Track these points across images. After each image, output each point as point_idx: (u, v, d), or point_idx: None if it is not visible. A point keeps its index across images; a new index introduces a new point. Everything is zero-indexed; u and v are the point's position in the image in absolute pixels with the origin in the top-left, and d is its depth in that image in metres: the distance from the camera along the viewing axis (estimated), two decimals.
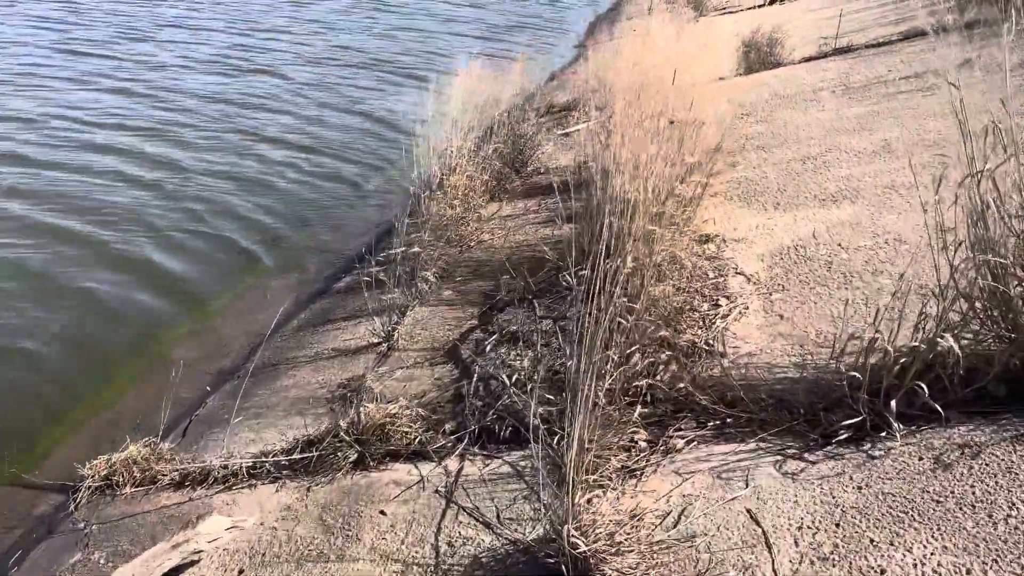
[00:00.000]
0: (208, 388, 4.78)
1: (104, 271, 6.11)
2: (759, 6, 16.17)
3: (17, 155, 8.36)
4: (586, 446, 2.60)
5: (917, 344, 3.02)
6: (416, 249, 5.32)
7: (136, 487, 3.71)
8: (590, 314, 3.13)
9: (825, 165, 5.99)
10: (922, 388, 2.82)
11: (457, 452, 3.38)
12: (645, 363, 3.39)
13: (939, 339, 2.92)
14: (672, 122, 4.26)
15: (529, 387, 3.60)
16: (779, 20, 12.24)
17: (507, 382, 3.50)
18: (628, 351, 3.30)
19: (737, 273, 4.60)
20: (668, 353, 3.64)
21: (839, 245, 4.62)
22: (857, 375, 2.97)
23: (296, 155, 8.92)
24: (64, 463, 4.11)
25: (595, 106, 7.93)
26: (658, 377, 3.45)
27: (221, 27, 16.02)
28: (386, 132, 9.84)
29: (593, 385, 2.97)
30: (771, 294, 4.26)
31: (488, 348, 4.24)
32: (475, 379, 3.93)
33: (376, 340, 4.72)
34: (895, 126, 6.50)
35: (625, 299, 3.62)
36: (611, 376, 3.09)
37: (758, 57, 9.86)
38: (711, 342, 3.87)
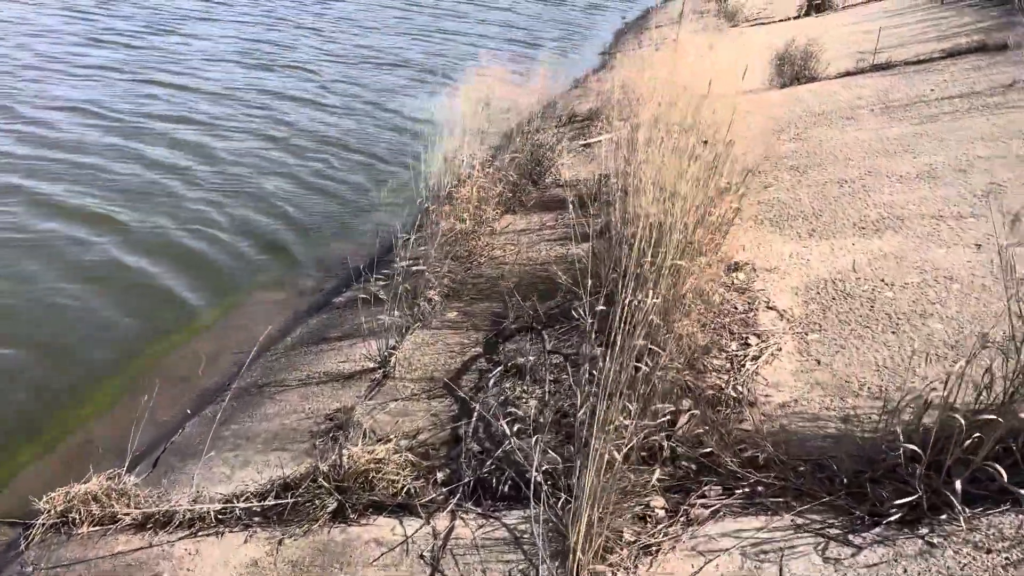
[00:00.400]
0: (189, 411, 4.42)
1: (90, 278, 5.76)
2: (793, 17, 15.70)
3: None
4: (595, 527, 2.20)
5: (984, 407, 2.59)
6: (420, 268, 4.94)
7: (94, 526, 3.34)
8: (606, 357, 2.74)
9: (864, 189, 5.56)
10: (996, 469, 2.39)
11: (449, 508, 2.99)
12: (665, 416, 2.98)
13: (1014, 405, 2.50)
14: (705, 142, 3.85)
15: (533, 435, 3.20)
16: (813, 33, 11.78)
17: (508, 431, 3.10)
18: (649, 405, 2.89)
19: (769, 307, 4.18)
20: (690, 401, 3.23)
21: (882, 281, 4.19)
22: (914, 447, 2.54)
23: (307, 156, 8.57)
24: (26, 492, 3.75)
25: (618, 116, 7.55)
26: (679, 430, 3.04)
27: (250, 21, 15.81)
28: (403, 135, 9.47)
29: (606, 444, 2.57)
30: (807, 334, 3.84)
31: (491, 382, 3.85)
32: (474, 418, 3.54)
33: (371, 365, 4.34)
34: (940, 149, 6.05)
35: (645, 340, 3.22)
36: (628, 433, 2.69)
37: (792, 71, 9.42)
38: (740, 388, 3.45)
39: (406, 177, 5.74)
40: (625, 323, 2.81)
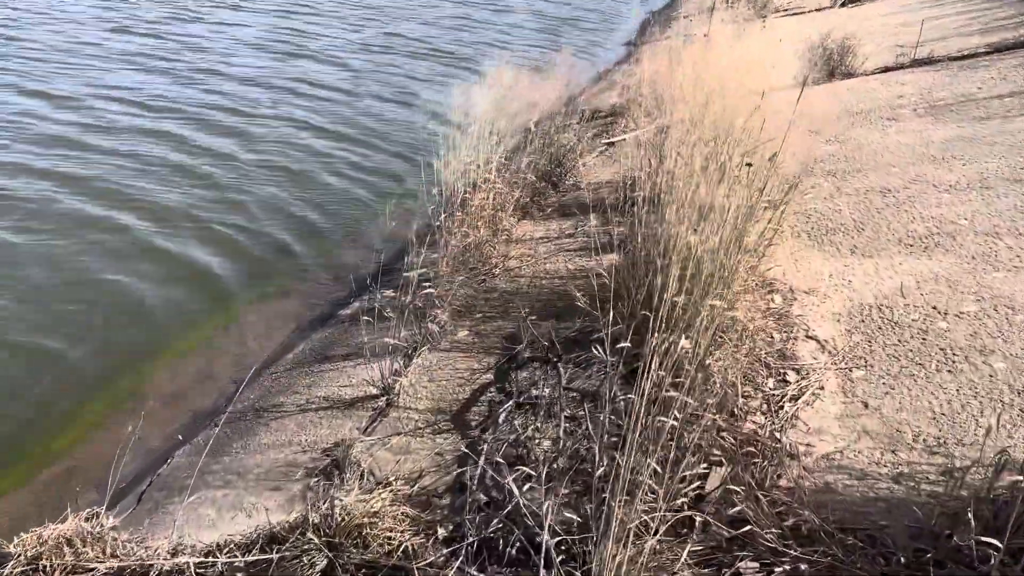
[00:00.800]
0: (180, 436, 4.14)
1: (77, 283, 5.49)
2: (827, 7, 15.14)
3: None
4: None
5: None
6: (428, 289, 4.61)
7: (67, 574, 3.06)
8: (628, 411, 2.40)
9: (910, 200, 5.15)
10: None
11: (450, 574, 2.67)
12: (696, 481, 2.64)
13: None
14: (750, 164, 3.48)
15: (546, 486, 2.88)
16: (848, 24, 11.28)
17: (516, 491, 2.76)
18: (678, 462, 2.55)
19: (808, 337, 3.81)
20: (722, 456, 2.88)
21: (934, 308, 3.81)
22: (986, 534, 2.18)
23: (321, 154, 8.25)
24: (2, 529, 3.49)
25: (644, 116, 7.16)
26: (711, 494, 2.70)
27: (273, 9, 15.62)
28: (423, 132, 9.13)
29: (629, 513, 2.24)
30: (851, 370, 3.47)
31: (502, 418, 3.52)
32: (482, 461, 3.22)
33: (374, 392, 4.02)
34: (991, 155, 5.62)
35: (673, 385, 2.88)
36: (656, 498, 2.36)
37: (829, 66, 8.96)
38: (778, 435, 3.10)
39: (423, 180, 5.39)
40: (650, 371, 2.47)
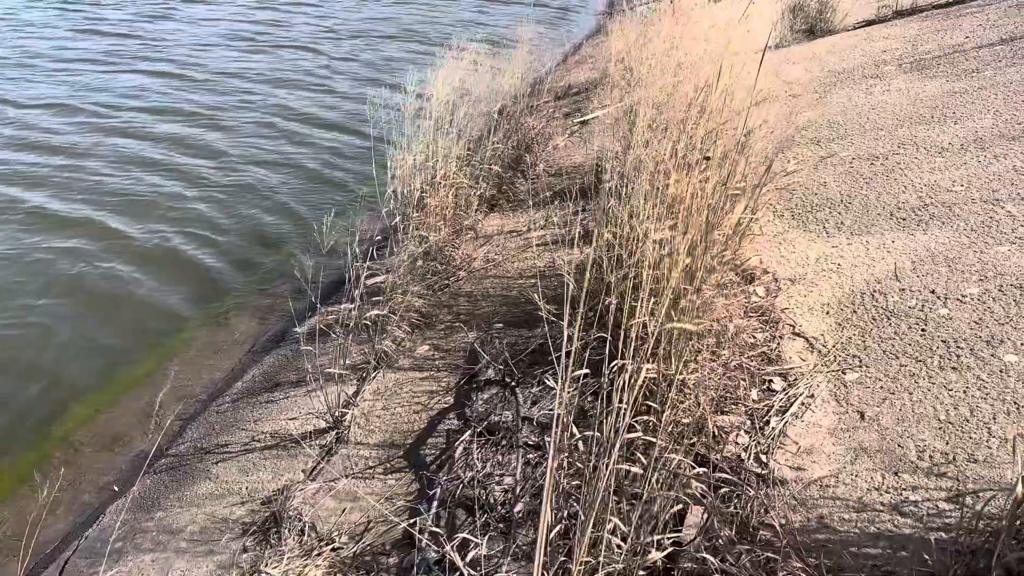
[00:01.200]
0: (115, 487, 3.77)
1: (13, 311, 5.10)
2: None
3: None
4: None
5: None
6: (381, 301, 4.23)
7: None
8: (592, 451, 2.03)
9: (900, 167, 4.75)
10: None
11: None
12: (670, 514, 2.27)
13: None
14: (708, 158, 3.08)
15: (506, 536, 2.52)
16: None
17: (459, 561, 2.39)
18: (647, 508, 2.18)
19: (795, 334, 3.43)
20: (699, 489, 2.50)
21: (933, 293, 3.42)
22: None
23: (282, 153, 7.81)
24: None
25: (612, 91, 6.73)
26: (689, 544, 2.33)
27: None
28: (382, 126, 8.69)
29: None
30: (844, 372, 3.10)
31: (459, 452, 3.15)
32: (434, 504, 2.85)
33: (323, 425, 3.66)
34: (985, 111, 5.21)
35: (644, 410, 2.51)
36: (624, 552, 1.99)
37: (807, 24, 8.51)
38: (764, 457, 2.73)
39: (378, 180, 4.98)
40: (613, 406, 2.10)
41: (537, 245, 5.31)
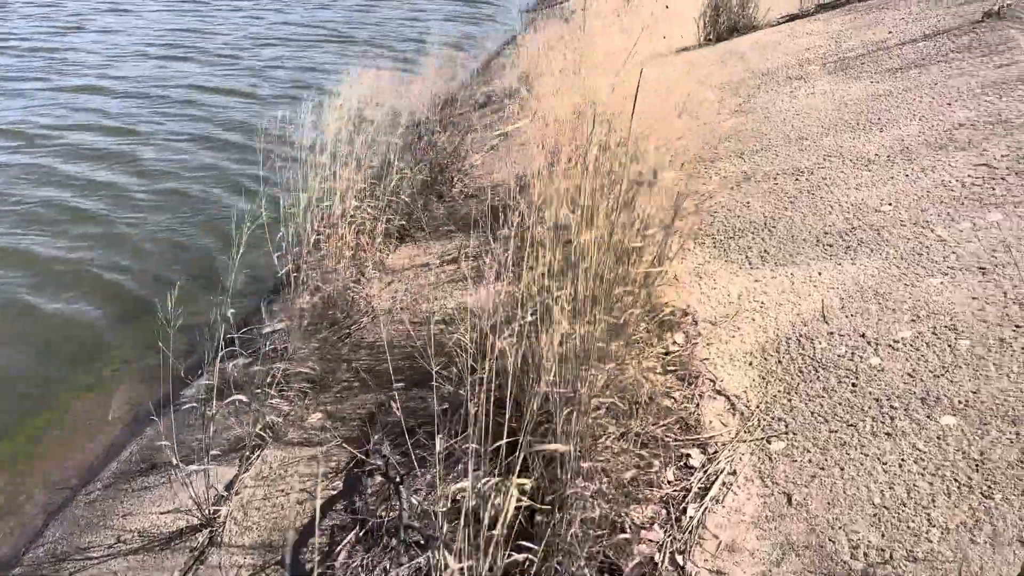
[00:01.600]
0: None
1: None
2: None
3: None
4: None
5: None
6: (262, 374, 3.79)
7: None
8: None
9: (825, 183, 4.46)
10: None
11: None
12: None
13: None
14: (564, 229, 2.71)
15: None
16: None
17: None
18: None
19: (716, 391, 3.10)
20: None
21: (863, 337, 3.12)
22: None
23: (174, 182, 7.28)
24: None
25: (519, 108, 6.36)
26: None
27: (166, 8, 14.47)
28: (282, 159, 8.20)
29: None
30: (769, 441, 2.77)
31: (341, 558, 2.74)
32: None
33: (195, 521, 3.21)
34: (910, 116, 4.96)
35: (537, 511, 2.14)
36: None
37: (728, 20, 8.24)
38: (680, 558, 2.38)
39: (264, 218, 4.51)
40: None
41: (447, 282, 4.92)
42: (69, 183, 7.24)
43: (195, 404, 4.07)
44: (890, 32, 6.65)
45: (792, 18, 8.21)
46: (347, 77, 5.74)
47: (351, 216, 4.85)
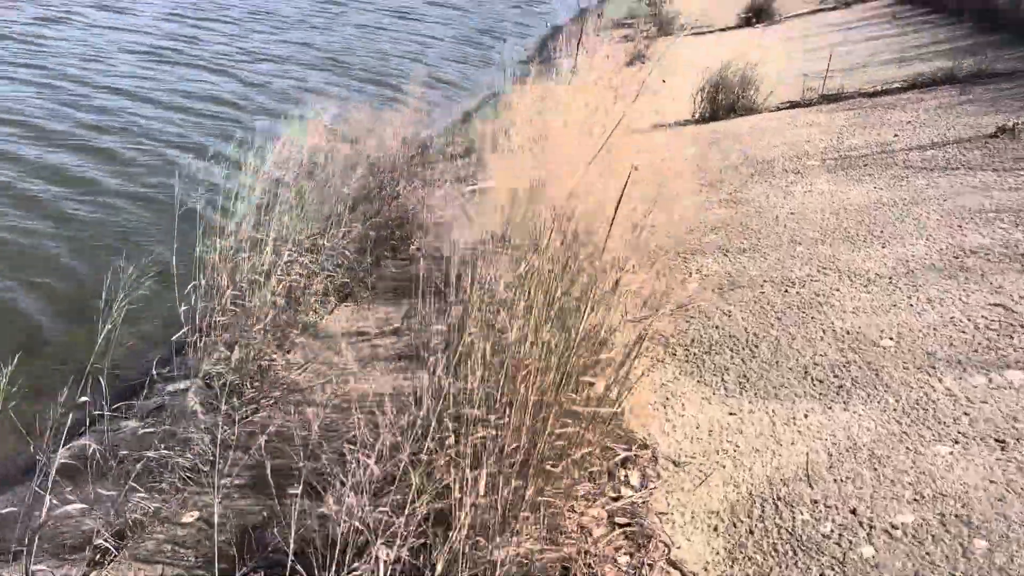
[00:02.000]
0: None
1: None
2: (733, 27, 14.24)
3: None
4: None
5: None
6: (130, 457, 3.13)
7: None
8: None
9: (818, 300, 3.94)
10: None
11: None
12: None
13: None
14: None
15: None
16: (754, 48, 10.26)
17: None
18: None
19: (670, 563, 2.50)
20: None
21: (854, 513, 2.55)
22: None
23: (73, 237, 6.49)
24: None
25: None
26: None
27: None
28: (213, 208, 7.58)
29: None
30: None
31: None
32: None
33: None
34: (916, 233, 4.49)
35: None
36: None
37: (727, 99, 7.83)
38: None
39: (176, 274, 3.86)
40: None
41: (388, 356, 4.32)
42: None
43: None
44: (896, 135, 6.24)
45: (793, 105, 7.82)
46: (315, 108, 5.23)
47: (281, 270, 4.24)
